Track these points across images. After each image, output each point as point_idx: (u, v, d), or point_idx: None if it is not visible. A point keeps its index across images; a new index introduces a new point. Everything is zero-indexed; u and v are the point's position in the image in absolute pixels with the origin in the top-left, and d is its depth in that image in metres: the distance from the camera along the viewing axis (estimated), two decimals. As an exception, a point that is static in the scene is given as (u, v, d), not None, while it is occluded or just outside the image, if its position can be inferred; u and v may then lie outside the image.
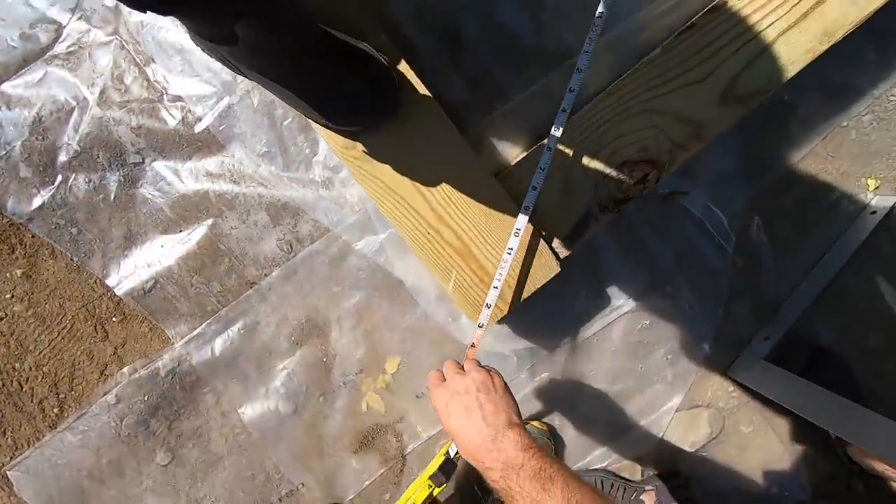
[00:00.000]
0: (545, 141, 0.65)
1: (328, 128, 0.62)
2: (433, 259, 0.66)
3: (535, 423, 0.84)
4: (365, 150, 0.64)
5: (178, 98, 0.80)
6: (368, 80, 0.58)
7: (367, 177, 0.65)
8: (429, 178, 0.64)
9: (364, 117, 0.60)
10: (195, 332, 0.82)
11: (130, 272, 0.81)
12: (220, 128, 0.80)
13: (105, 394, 0.81)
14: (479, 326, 0.64)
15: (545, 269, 0.67)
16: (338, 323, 0.84)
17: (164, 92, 0.79)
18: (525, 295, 0.66)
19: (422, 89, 0.64)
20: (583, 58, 0.65)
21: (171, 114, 0.80)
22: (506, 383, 0.57)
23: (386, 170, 0.64)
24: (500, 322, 0.69)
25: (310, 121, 0.64)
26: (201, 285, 0.83)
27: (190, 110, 0.80)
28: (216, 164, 0.81)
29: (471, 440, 0.54)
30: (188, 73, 0.79)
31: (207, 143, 0.80)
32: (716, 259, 0.86)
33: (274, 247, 0.83)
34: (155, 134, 0.80)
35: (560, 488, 0.47)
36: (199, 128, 0.80)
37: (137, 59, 0.79)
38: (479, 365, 0.59)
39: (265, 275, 0.83)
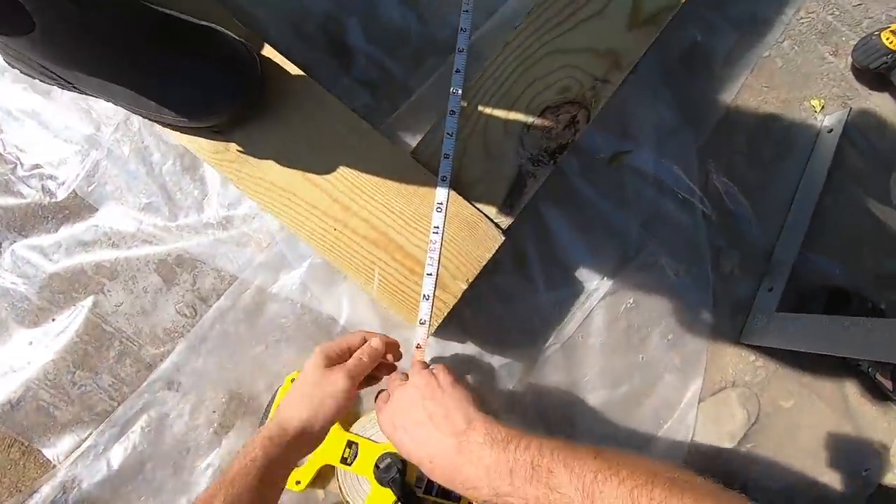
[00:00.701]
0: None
1: (186, 130, 0.52)
2: (347, 259, 0.53)
3: None
4: (240, 149, 0.53)
5: (36, 166, 0.68)
6: (219, 59, 0.49)
7: (249, 180, 0.53)
8: (321, 165, 0.53)
9: (223, 104, 0.50)
10: (84, 446, 0.64)
11: (-9, 385, 0.64)
12: (89, 189, 0.68)
13: (-37, 559, 0.60)
14: (421, 323, 0.50)
15: (486, 240, 0.55)
16: (269, 391, 0.67)
17: (17, 163, 0.68)
18: (470, 276, 0.53)
19: (292, 69, 0.55)
20: (463, 18, 0.59)
21: (28, 185, 0.68)
22: (454, 376, 0.43)
23: (270, 167, 0.53)
24: (458, 335, 0.55)
25: (170, 131, 0.54)
26: (87, 382, 0.66)
27: (51, 176, 0.68)
28: (89, 231, 0.68)
29: (434, 461, 0.39)
30: (44, 137, 0.69)
31: (76, 210, 0.68)
32: (685, 215, 0.76)
33: (173, 314, 0.68)
34: (11, 212, 0.67)
35: (568, 477, 0.32)
36: (63, 194, 0.68)
37: (-17, 135, 0.69)
38: (426, 366, 0.45)
39: (167, 352, 0.67)
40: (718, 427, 0.70)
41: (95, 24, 0.43)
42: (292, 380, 0.63)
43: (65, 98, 0.68)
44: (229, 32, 0.50)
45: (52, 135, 0.69)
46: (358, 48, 0.73)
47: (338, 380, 0.47)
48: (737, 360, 0.73)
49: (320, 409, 0.46)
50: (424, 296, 0.52)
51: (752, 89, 0.82)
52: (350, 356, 0.51)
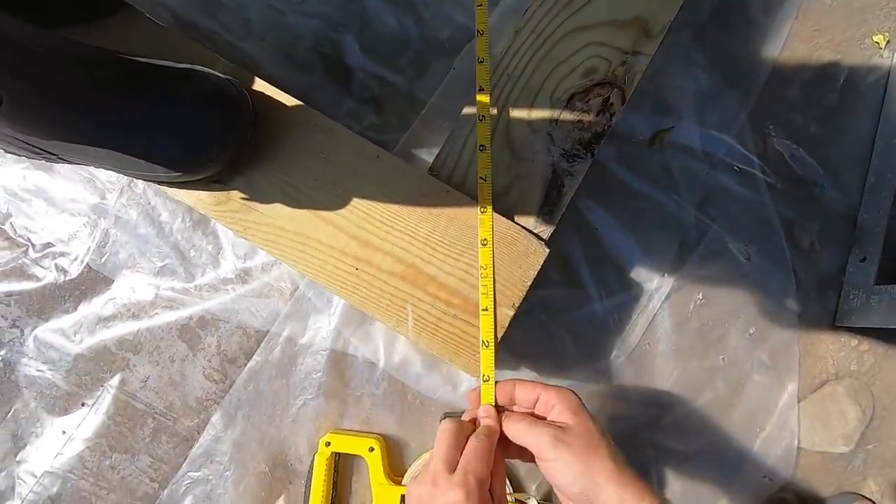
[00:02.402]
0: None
1: (182, 186, 0.47)
2: (374, 301, 0.47)
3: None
4: (243, 196, 0.48)
5: (47, 245, 0.65)
6: (203, 100, 0.44)
7: (256, 229, 0.48)
8: (332, 200, 0.48)
9: (214, 149, 0.45)
10: (132, 533, 0.60)
11: (31, 481, 0.61)
12: (102, 260, 0.65)
13: None
14: (485, 381, 0.43)
15: (529, 256, 0.47)
16: (312, 452, 0.62)
17: (29, 245, 0.66)
18: (516, 300, 0.46)
19: (288, 100, 0.49)
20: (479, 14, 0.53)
21: (41, 266, 0.65)
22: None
23: (277, 211, 0.48)
24: (509, 362, 0.48)
25: (162, 187, 0.49)
26: (125, 465, 0.62)
27: (63, 254, 0.65)
28: (108, 306, 0.64)
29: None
30: (52, 213, 0.66)
31: (92, 284, 0.65)
32: (746, 189, 0.67)
33: (203, 381, 0.63)
34: (29, 296, 0.65)
35: None
36: (77, 270, 0.65)
37: (-8, 221, 0.67)
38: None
39: (203, 422, 0.63)
40: (828, 429, 0.60)
41: (61, 84, 0.39)
42: (326, 443, 0.57)
43: (66, 170, 0.66)
44: (212, 71, 0.45)
45: (59, 210, 0.66)
46: (356, 65, 0.68)
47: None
48: (836, 348, 0.63)
49: None
50: (484, 342, 0.45)
51: (800, 37, 0.72)
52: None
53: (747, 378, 0.62)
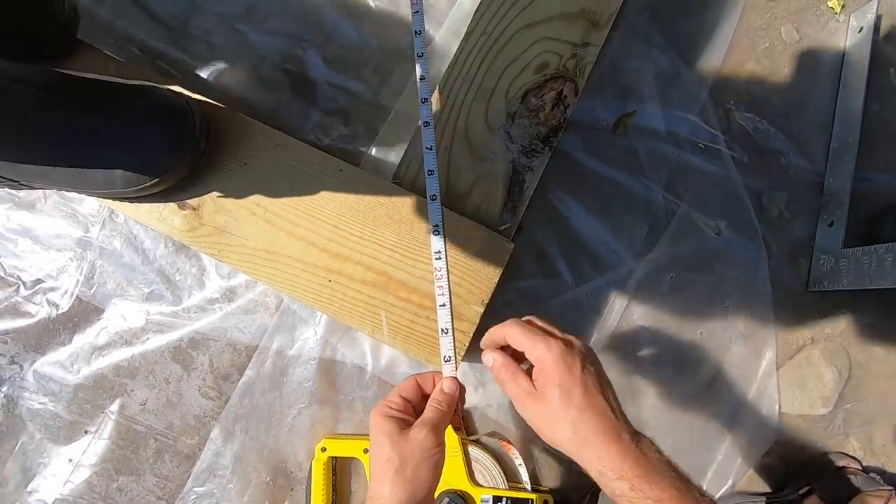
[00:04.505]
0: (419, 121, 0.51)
1: (143, 200, 0.49)
2: (348, 310, 0.49)
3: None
4: (215, 220, 0.49)
5: (38, 281, 0.67)
6: (149, 110, 0.46)
7: (230, 251, 0.50)
8: (300, 216, 0.49)
9: (169, 156, 0.46)
10: (144, 551, 0.62)
11: (44, 510, 0.63)
12: (91, 291, 0.67)
13: None
14: (446, 361, 0.45)
15: (494, 254, 0.49)
16: (309, 459, 0.64)
17: (19, 283, 0.68)
18: (485, 297, 0.48)
19: (249, 122, 0.51)
20: (416, 20, 0.54)
21: (33, 302, 0.67)
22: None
23: (247, 230, 0.50)
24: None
25: (140, 219, 0.51)
26: (132, 486, 0.64)
27: (52, 289, 0.67)
28: (102, 335, 0.66)
29: (608, 431, 0.39)
30: (38, 250, 0.68)
31: (84, 315, 0.67)
32: (712, 165, 0.68)
33: (199, 399, 0.65)
34: (24, 332, 0.67)
35: None
36: (68, 303, 0.67)
37: (-19, 263, 0.68)
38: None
39: (203, 440, 0.65)
40: (806, 392, 0.61)
41: (13, 109, 0.40)
42: (322, 448, 0.59)
43: (48, 207, 0.67)
44: (160, 86, 0.47)
45: (45, 247, 0.68)
46: (320, 78, 0.69)
47: (423, 439, 0.40)
48: (811, 313, 0.65)
49: (416, 480, 0.40)
50: (442, 330, 0.47)
51: (755, 8, 0.72)
52: (413, 408, 0.45)
53: (726, 350, 0.64)
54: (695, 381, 0.63)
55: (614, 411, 0.40)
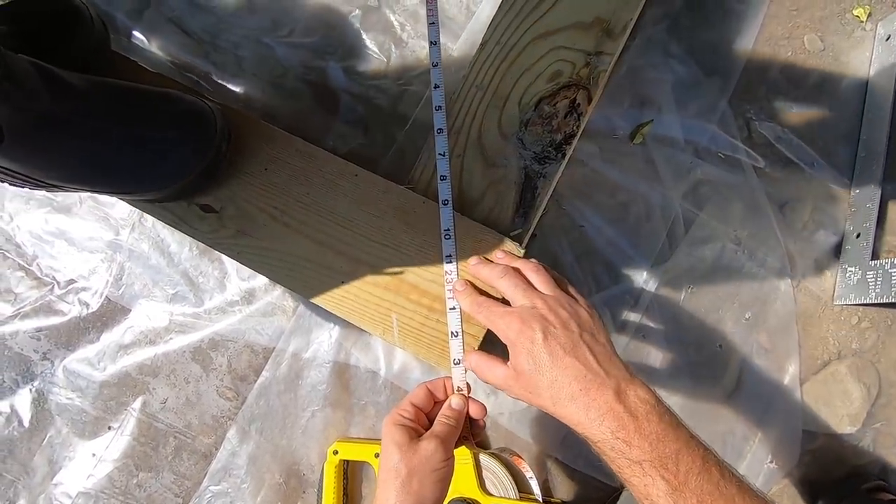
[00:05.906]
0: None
1: (169, 200, 0.51)
2: (359, 312, 0.49)
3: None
4: (236, 222, 0.51)
5: (70, 282, 0.71)
6: (178, 116, 0.48)
7: (250, 253, 0.52)
8: (318, 220, 0.51)
9: (193, 159, 0.48)
10: (160, 547, 0.64)
11: (67, 502, 0.65)
12: (120, 292, 0.70)
13: None
14: (455, 364, 0.46)
15: (504, 259, 0.49)
16: (321, 461, 0.64)
17: (54, 283, 0.71)
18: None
19: (272, 130, 0.53)
20: (431, 31, 0.55)
21: (66, 301, 0.70)
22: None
23: (265, 233, 0.51)
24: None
25: (162, 222, 0.53)
26: (150, 482, 0.66)
27: (84, 289, 0.70)
28: (127, 334, 0.69)
29: (584, 392, 0.38)
30: (72, 252, 0.71)
31: (112, 315, 0.70)
32: (732, 175, 0.67)
33: (217, 399, 0.67)
34: (57, 330, 0.70)
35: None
36: (97, 303, 0.70)
37: (21, 263, 0.72)
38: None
39: (220, 439, 0.66)
40: (832, 410, 0.59)
41: (59, 117, 0.43)
42: (334, 451, 0.60)
43: (83, 211, 0.71)
44: (184, 94, 0.49)
45: (79, 249, 0.71)
46: (341, 89, 0.71)
47: (431, 452, 0.41)
48: (837, 327, 0.62)
49: (422, 493, 0.40)
50: (452, 333, 0.47)
51: (778, 18, 0.72)
52: (425, 418, 0.45)
53: (746, 364, 0.62)
54: (713, 395, 0.62)
55: (590, 368, 0.39)
